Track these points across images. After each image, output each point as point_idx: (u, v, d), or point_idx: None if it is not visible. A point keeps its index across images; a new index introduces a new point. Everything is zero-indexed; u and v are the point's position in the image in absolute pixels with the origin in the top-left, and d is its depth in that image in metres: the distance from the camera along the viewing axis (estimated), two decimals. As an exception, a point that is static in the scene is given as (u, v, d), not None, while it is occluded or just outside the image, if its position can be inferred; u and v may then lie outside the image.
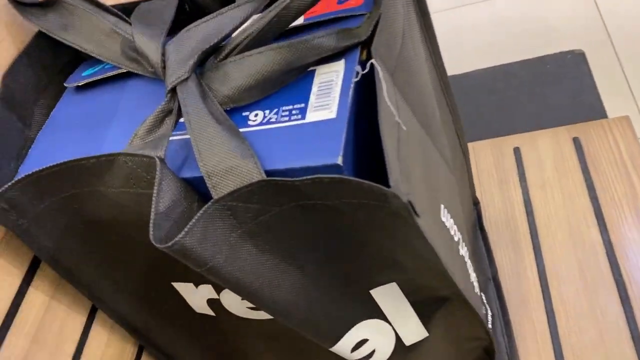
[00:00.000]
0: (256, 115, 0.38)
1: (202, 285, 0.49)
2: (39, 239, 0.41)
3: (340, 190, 0.32)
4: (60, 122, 0.46)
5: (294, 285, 0.39)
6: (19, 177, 0.37)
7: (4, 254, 0.43)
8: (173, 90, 0.38)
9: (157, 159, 0.35)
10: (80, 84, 0.47)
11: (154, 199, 0.34)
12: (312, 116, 0.36)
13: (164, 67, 0.39)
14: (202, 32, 0.39)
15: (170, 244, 0.33)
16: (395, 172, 0.30)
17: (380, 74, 0.33)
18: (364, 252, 0.39)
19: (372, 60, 0.34)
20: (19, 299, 0.43)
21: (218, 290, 0.49)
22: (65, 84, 0.48)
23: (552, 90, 0.86)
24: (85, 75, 0.48)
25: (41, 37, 0.48)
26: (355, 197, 0.31)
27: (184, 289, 0.50)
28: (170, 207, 0.35)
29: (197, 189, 0.37)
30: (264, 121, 0.38)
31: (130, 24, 0.42)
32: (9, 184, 0.37)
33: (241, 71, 0.38)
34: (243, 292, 0.37)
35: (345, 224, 0.36)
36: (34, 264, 0.45)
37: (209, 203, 0.34)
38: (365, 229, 0.35)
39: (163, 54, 0.39)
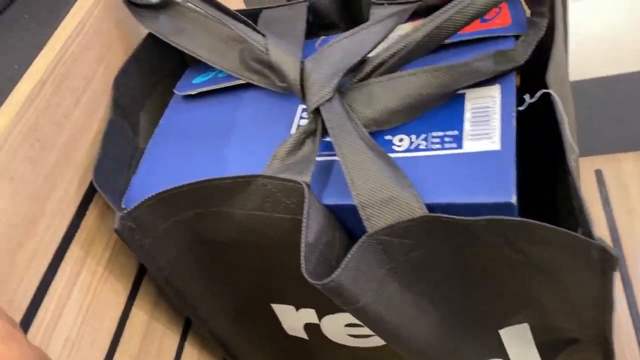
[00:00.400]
0: (401, 140, 0.36)
1: (303, 309, 0.47)
2: (157, 259, 0.38)
3: (519, 233, 0.29)
4: (171, 131, 0.43)
5: (428, 323, 0.37)
6: (150, 195, 0.35)
7: (112, 272, 0.40)
8: (316, 111, 0.35)
9: (304, 185, 0.33)
10: (192, 93, 0.44)
11: (303, 229, 0.31)
12: (470, 146, 0.33)
13: (301, 85, 0.37)
14: (342, 49, 0.37)
15: (326, 281, 0.30)
16: (591, 220, 0.27)
17: (560, 106, 0.30)
18: (507, 292, 0.36)
19: (550, 90, 0.31)
20: (124, 318, 0.41)
21: (320, 315, 0.47)
22: (175, 91, 0.45)
23: (634, 110, 0.82)
24: (197, 83, 0.45)
25: (150, 41, 0.46)
26: (538, 241, 0.29)
27: (282, 310, 0.48)
28: (317, 237, 0.32)
29: (336, 217, 0.35)
30: (411, 147, 0.35)
31: (253, 31, 0.39)
32: (138, 202, 0.35)
33: (389, 93, 0.35)
34: (382, 330, 0.35)
35: (500, 264, 0.33)
36: (135, 283, 0.43)
37: (364, 237, 0.31)
38: (526, 270, 0.32)
39: (301, 70, 0.37)
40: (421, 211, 0.31)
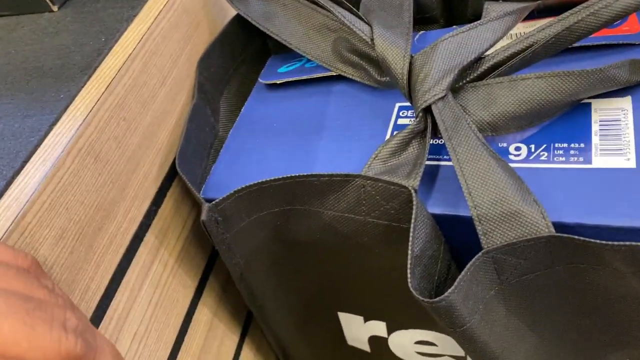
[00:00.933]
0: (518, 149, 0.32)
1: (372, 321, 0.44)
2: (235, 254, 0.36)
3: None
4: (254, 121, 0.41)
5: (528, 350, 0.33)
6: (239, 187, 0.32)
7: (181, 266, 0.38)
8: (425, 110, 0.32)
9: (412, 191, 0.30)
10: (277, 82, 0.42)
11: (410, 240, 0.28)
12: (600, 161, 0.30)
13: (408, 80, 0.34)
14: (457, 44, 0.33)
15: (437, 300, 0.27)
16: None
17: None
18: (620, 324, 0.32)
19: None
20: (190, 315, 0.39)
21: (390, 329, 0.43)
22: (260, 80, 0.43)
23: None
24: (282, 72, 0.42)
25: (235, 24, 0.43)
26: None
27: (348, 320, 0.45)
28: (423, 249, 0.29)
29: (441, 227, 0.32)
30: (530, 158, 0.32)
31: (359, 20, 0.36)
32: (226, 194, 0.32)
33: (510, 96, 0.32)
34: (480, 356, 0.31)
35: (622, 293, 0.30)
36: (202, 279, 0.41)
37: (479, 254, 0.28)
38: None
39: (410, 65, 0.34)
40: (547, 230, 0.28)
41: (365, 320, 0.44)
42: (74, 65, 0.35)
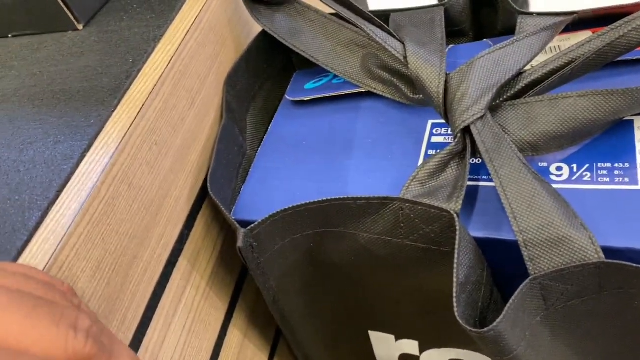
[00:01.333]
0: (559, 169, 0.32)
1: (404, 340, 0.43)
2: (269, 278, 0.35)
3: None
4: (281, 139, 0.40)
5: (570, 375, 0.33)
6: (273, 212, 0.32)
7: (212, 288, 0.37)
8: (464, 130, 0.31)
9: (454, 215, 0.29)
10: (305, 99, 0.41)
11: (455, 267, 0.27)
12: (647, 182, 0.29)
13: (444, 99, 0.33)
14: (494, 62, 0.33)
15: (486, 330, 0.26)
16: None
17: None
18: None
19: None
20: (221, 338, 0.38)
21: (423, 348, 0.43)
22: (287, 97, 0.42)
23: None
24: (309, 89, 0.42)
25: (260, 40, 0.42)
26: None
27: (379, 338, 0.44)
28: (467, 275, 0.29)
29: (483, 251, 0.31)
30: (573, 178, 0.31)
31: (390, 36, 0.36)
32: (262, 219, 0.32)
33: (551, 115, 0.31)
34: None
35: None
36: (232, 301, 0.40)
37: (527, 280, 0.28)
38: None
39: (446, 83, 0.33)
40: (597, 256, 0.27)
41: (397, 338, 0.43)
42: (103, 88, 0.34)
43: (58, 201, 0.28)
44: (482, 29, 0.42)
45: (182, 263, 0.34)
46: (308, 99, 0.41)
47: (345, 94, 0.40)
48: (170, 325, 0.33)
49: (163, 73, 0.33)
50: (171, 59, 0.34)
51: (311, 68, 0.44)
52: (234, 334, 0.39)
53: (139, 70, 0.34)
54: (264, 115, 0.44)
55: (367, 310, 0.41)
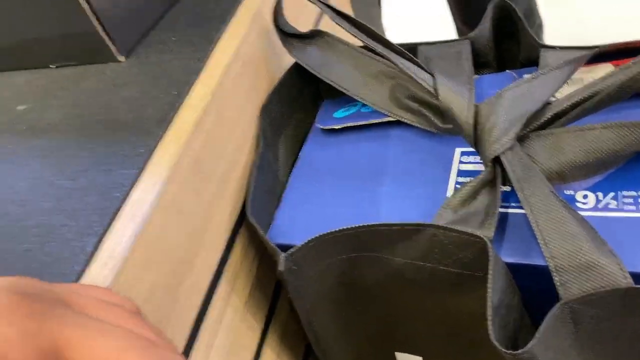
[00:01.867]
0: (585, 197, 0.33)
1: (430, 361, 0.44)
2: (305, 300, 0.36)
3: None
4: (313, 166, 0.42)
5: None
6: (311, 237, 0.33)
7: (249, 310, 0.39)
8: (494, 159, 0.33)
9: (487, 241, 0.30)
10: (336, 128, 0.43)
11: (489, 291, 0.29)
12: (671, 210, 0.31)
13: (474, 130, 0.34)
14: (521, 94, 0.34)
15: (520, 352, 0.27)
16: None
17: None
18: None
19: None
20: (256, 358, 0.39)
21: (450, 369, 0.44)
22: (318, 125, 0.44)
23: None
24: (340, 117, 0.44)
25: (293, 71, 0.44)
26: None
27: (406, 359, 0.45)
28: (500, 299, 0.30)
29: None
30: (599, 206, 0.32)
31: (420, 69, 0.38)
32: (301, 244, 0.33)
33: (577, 145, 0.32)
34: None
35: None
36: (266, 322, 0.41)
37: (558, 305, 0.29)
38: None
39: (475, 114, 0.35)
40: (626, 281, 0.28)
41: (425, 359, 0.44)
42: (148, 119, 0.36)
43: (112, 227, 0.30)
44: (505, 60, 0.44)
45: (223, 286, 0.36)
46: (339, 127, 0.43)
47: (374, 123, 0.42)
48: (212, 348, 0.34)
49: (207, 105, 0.35)
50: (213, 91, 0.36)
51: (338, 97, 0.46)
52: (267, 354, 0.41)
53: (182, 102, 0.36)
54: (295, 141, 0.45)
55: (395, 331, 0.42)
